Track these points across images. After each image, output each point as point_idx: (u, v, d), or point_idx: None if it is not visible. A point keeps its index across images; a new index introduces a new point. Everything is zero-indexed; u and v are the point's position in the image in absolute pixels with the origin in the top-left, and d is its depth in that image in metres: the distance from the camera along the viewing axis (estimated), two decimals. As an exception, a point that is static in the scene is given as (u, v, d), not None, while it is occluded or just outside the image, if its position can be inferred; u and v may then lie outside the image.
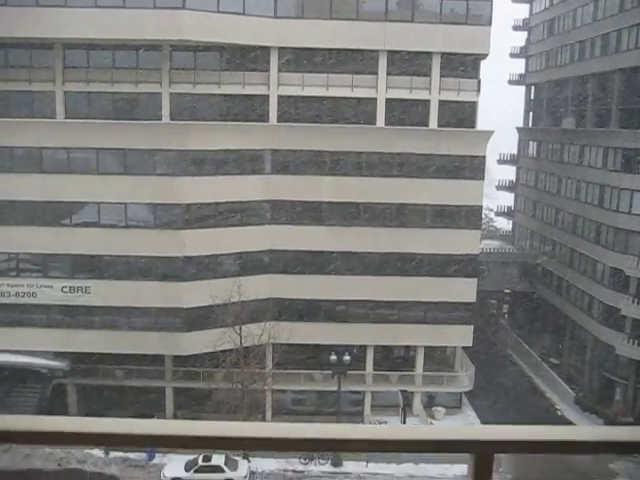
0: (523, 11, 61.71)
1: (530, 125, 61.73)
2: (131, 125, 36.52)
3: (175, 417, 38.17)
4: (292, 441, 1.78)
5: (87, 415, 36.62)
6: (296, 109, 38.82)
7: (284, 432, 1.79)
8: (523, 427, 1.77)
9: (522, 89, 62.56)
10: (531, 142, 60.33)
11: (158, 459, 34.69)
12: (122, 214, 37.30)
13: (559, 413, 42.66)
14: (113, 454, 34.90)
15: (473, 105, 39.85)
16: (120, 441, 1.79)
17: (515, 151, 63.20)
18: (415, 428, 1.82)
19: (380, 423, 36.84)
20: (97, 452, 35.15)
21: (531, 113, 61.71)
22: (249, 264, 38.65)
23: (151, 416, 34.88)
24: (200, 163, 37.09)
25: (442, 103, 39.33)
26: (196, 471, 32.49)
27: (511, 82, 62.89)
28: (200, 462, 32.65)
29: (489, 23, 38.39)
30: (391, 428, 1.79)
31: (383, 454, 29.68)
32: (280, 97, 38.48)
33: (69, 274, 37.75)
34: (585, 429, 1.73)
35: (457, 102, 39.53)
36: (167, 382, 39.67)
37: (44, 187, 36.23)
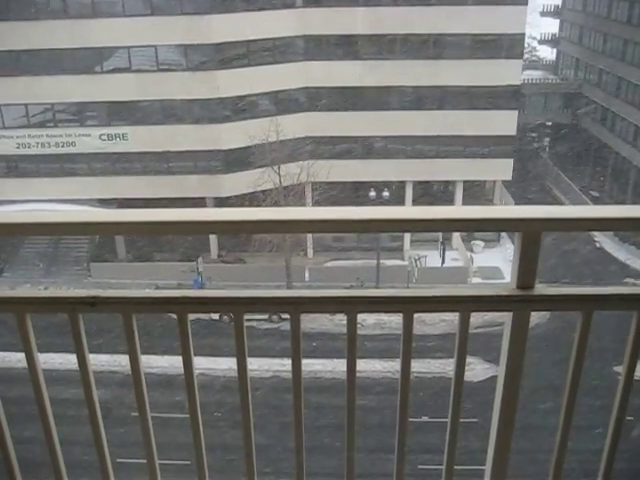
0: None
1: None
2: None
3: (220, 257, 39.43)
4: (342, 222, 1.74)
5: (135, 260, 38.10)
6: None
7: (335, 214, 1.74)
8: (569, 207, 1.78)
9: None
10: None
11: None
12: (153, 57, 36.62)
13: (597, 245, 42.83)
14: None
15: None
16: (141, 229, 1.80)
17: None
18: (465, 208, 1.82)
19: (420, 257, 37.59)
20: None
21: None
22: (285, 103, 38.09)
23: (196, 257, 36.02)
24: (228, -1, 35.64)
25: None
26: None
27: None
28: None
29: None
30: (440, 208, 1.79)
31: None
32: None
33: (105, 122, 37.81)
34: (632, 207, 1.72)
35: None
36: (209, 224, 40.49)
37: (71, 33, 35.39)
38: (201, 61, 36.60)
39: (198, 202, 38.76)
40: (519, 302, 1.77)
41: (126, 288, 33.81)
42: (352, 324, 1.81)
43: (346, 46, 37.90)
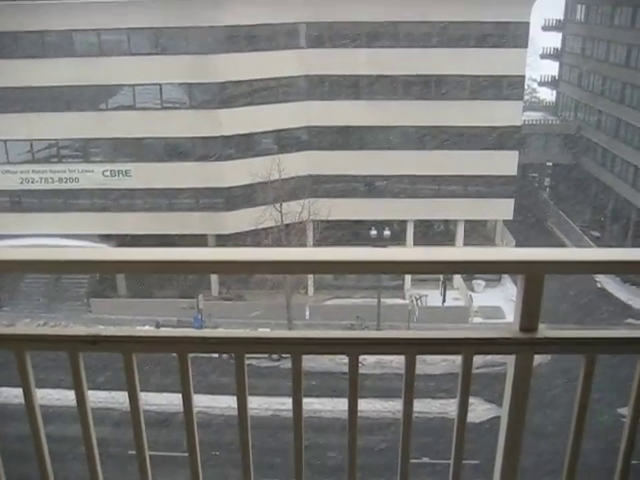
0: None
1: (578, -13, 58.24)
2: (162, 2, 35.48)
3: (220, 294, 39.36)
4: (339, 263, 1.75)
5: (136, 296, 38.00)
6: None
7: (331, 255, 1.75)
8: (573, 249, 1.78)
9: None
10: (579, 5, 57.09)
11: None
12: (157, 95, 37.09)
13: (599, 285, 42.74)
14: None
15: (517, -34, 37.58)
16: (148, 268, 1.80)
17: (562, 16, 60.04)
18: (468, 250, 1.82)
19: (421, 296, 37.51)
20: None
21: (579, -26, 58.08)
22: (287, 141, 38.44)
23: (197, 294, 35.95)
24: (233, 39, 36.19)
25: (484, -34, 37.16)
26: None
27: (558, -59, 58.87)
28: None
29: None
30: (443, 249, 1.78)
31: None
32: (313, -34, 36.76)
33: (109, 158, 38.11)
34: (636, 251, 1.71)
35: (500, -36, 37.29)
36: (211, 261, 40.51)
37: (78, 71, 35.87)
38: (205, 99, 37.03)
39: (200, 239, 38.84)
40: (522, 345, 1.76)
41: (126, 324, 33.78)
42: (354, 366, 1.79)
43: (348, 86, 38.35)
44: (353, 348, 1.77)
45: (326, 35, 37.59)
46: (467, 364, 1.80)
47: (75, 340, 1.79)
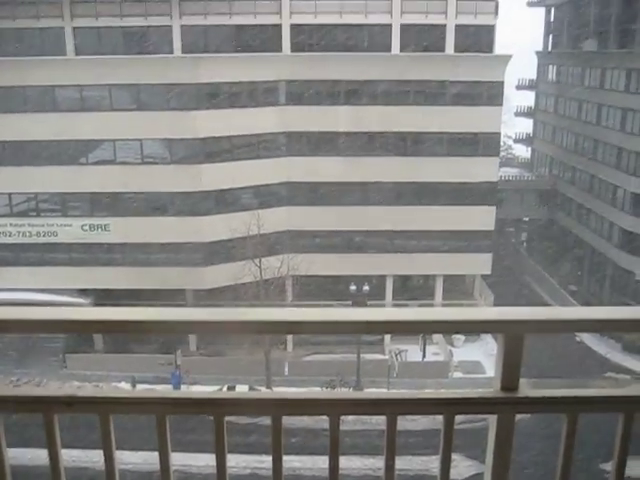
0: None
1: (550, 49, 60.07)
2: (142, 60, 36.04)
3: (198, 349, 38.86)
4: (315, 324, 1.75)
5: (113, 351, 37.39)
6: (309, 38, 38.06)
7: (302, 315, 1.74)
8: (553, 308, 1.79)
9: (542, 11, 60.62)
10: (551, 66, 58.89)
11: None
12: (138, 150, 37.26)
13: (578, 339, 42.86)
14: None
15: (491, 29, 38.83)
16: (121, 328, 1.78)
17: (534, 76, 61.76)
18: (447, 310, 1.82)
19: (400, 351, 37.33)
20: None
21: (551, 36, 59.93)
22: (267, 197, 38.64)
23: (175, 350, 35.50)
24: (214, 96, 36.70)
25: (458, 27, 38.35)
26: None
27: (530, 4, 60.82)
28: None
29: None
30: (423, 310, 1.76)
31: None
32: (293, 26, 37.72)
33: (88, 212, 38.01)
34: (614, 309, 1.74)
35: (474, 26, 38.53)
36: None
37: (59, 126, 36.06)
38: (185, 155, 37.27)
39: (178, 294, 38.58)
40: (503, 404, 1.76)
41: (102, 381, 33.15)
42: (334, 426, 1.77)
43: (327, 142, 38.83)
44: (334, 409, 1.76)
45: (305, 92, 38.23)
46: (449, 424, 1.80)
47: (50, 401, 1.75)
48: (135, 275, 37.64)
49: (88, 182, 36.71)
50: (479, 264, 40.76)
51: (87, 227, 37.82)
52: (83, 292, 38.13)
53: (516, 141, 67.07)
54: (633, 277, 42.22)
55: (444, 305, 41.20)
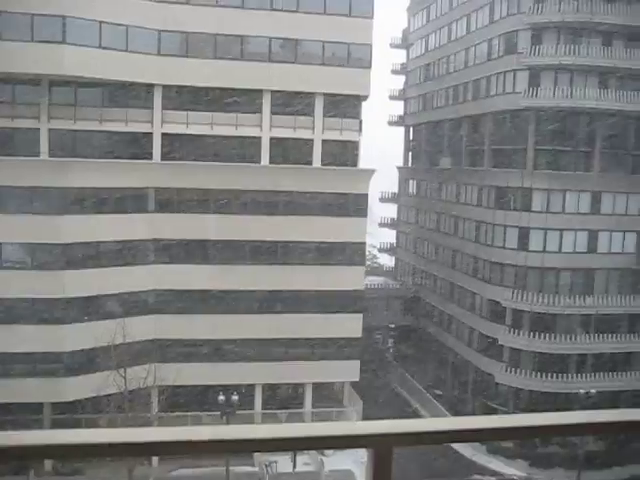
0: (401, 56, 64.39)
1: (410, 164, 64.04)
2: (6, 161, 34.98)
3: (54, 469, 36.06)
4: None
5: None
6: (180, 147, 38.58)
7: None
8: (421, 420, 1.83)
9: (402, 130, 64.93)
10: (411, 181, 62.57)
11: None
12: (-4, 256, 35.49)
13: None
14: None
15: (355, 144, 41.06)
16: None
17: (396, 189, 65.25)
18: (312, 425, 1.81)
19: (271, 462, 36.43)
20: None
21: (410, 153, 64.05)
22: (133, 304, 37.62)
23: (27, 469, 32.76)
24: (81, 201, 36.03)
25: (325, 142, 40.31)
26: None
27: (391, 123, 65.10)
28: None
29: (369, 66, 39.90)
30: (287, 426, 1.77)
31: None
32: (164, 135, 38.18)
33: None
34: (481, 418, 1.82)
35: (340, 141, 40.64)
36: (45, 432, 37.49)
37: None
38: (48, 260, 35.88)
39: (36, 408, 36.11)
40: None
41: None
42: None
43: (197, 250, 38.78)
44: None
45: (175, 200, 38.35)
46: None
47: None
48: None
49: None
50: (347, 371, 41.17)
51: None
52: None
53: (381, 250, 69.83)
54: (493, 379, 44.08)
55: (313, 413, 40.98)
